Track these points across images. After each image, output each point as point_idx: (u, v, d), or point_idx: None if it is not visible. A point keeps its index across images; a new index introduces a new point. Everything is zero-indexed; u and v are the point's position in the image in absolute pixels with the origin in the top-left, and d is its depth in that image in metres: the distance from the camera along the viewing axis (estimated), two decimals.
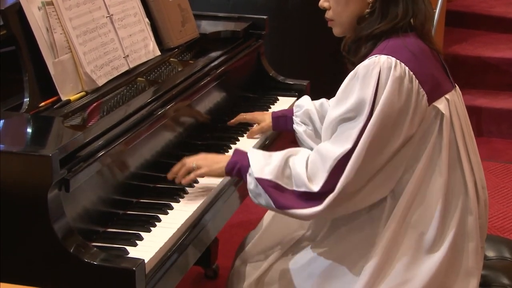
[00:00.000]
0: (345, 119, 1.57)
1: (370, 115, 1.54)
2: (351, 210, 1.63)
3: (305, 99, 2.05)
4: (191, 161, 1.77)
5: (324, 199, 1.57)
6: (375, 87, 1.54)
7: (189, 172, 1.77)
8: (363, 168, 1.55)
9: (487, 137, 4.09)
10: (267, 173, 1.61)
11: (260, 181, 1.62)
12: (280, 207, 1.61)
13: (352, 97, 1.56)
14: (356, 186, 1.57)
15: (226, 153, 2.01)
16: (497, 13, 4.83)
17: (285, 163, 1.62)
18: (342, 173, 1.55)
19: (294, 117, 2.04)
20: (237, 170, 1.70)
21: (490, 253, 2.02)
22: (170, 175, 1.80)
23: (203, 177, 1.79)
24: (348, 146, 1.54)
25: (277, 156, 1.65)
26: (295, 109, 2.05)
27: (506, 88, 4.32)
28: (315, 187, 1.57)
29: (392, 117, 1.54)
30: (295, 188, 1.60)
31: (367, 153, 1.54)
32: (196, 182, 1.84)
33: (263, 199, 1.63)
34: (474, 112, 4.07)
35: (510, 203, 3.32)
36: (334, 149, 1.56)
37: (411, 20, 1.63)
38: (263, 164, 1.64)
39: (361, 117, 1.54)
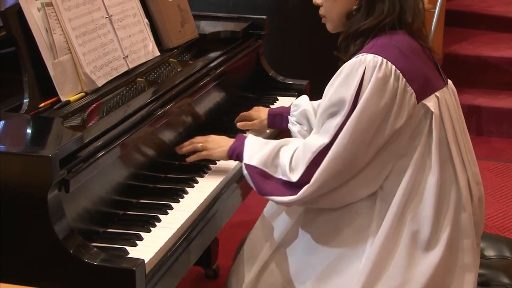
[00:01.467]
0: (330, 113, 1.61)
1: (351, 112, 1.56)
2: (336, 204, 1.67)
3: (303, 99, 2.05)
4: (199, 141, 1.88)
5: (301, 189, 1.62)
6: (358, 85, 1.56)
7: (194, 151, 1.88)
8: (343, 164, 1.59)
9: (487, 136, 4.08)
10: (255, 160, 1.71)
11: (247, 167, 1.72)
12: (262, 193, 1.70)
13: (335, 93, 1.60)
14: (336, 181, 1.61)
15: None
16: (496, 12, 4.83)
17: (276, 152, 1.70)
18: (319, 167, 1.60)
19: (290, 117, 2.04)
20: (236, 156, 1.81)
21: (490, 252, 2.02)
22: (178, 149, 1.90)
23: (206, 158, 1.89)
24: (325, 140, 1.59)
25: (271, 145, 1.73)
26: (292, 108, 2.05)
27: (506, 87, 4.32)
28: (294, 177, 1.64)
29: (374, 116, 1.57)
30: (280, 176, 1.67)
31: (346, 149, 1.57)
32: (196, 182, 1.84)
33: (252, 184, 1.72)
34: (474, 112, 4.07)
35: (510, 203, 3.32)
36: (314, 142, 1.62)
37: (402, 17, 1.64)
38: (254, 152, 1.73)
39: (342, 113, 1.58)
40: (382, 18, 1.62)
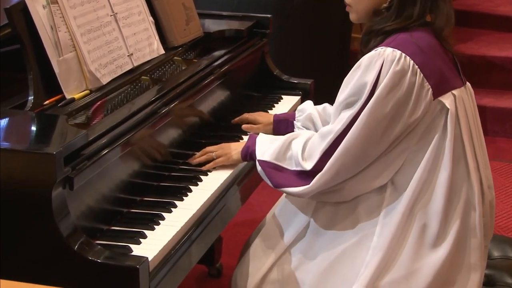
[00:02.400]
0: (347, 104, 1.62)
1: (366, 103, 1.58)
2: (346, 197, 1.68)
3: (308, 103, 2.06)
4: (212, 150, 1.90)
5: (313, 178, 1.64)
6: (376, 77, 1.57)
7: (209, 160, 1.90)
8: (355, 154, 1.60)
9: (492, 136, 4.08)
10: (267, 155, 1.74)
11: (260, 163, 1.75)
12: (276, 186, 1.73)
13: (353, 85, 1.61)
14: (348, 171, 1.62)
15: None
16: (501, 12, 4.82)
17: (288, 145, 1.74)
18: (333, 155, 1.62)
19: (295, 122, 2.04)
20: (250, 155, 1.83)
21: (495, 253, 2.02)
22: (191, 161, 1.91)
23: (222, 164, 1.90)
24: (340, 129, 1.61)
25: (282, 139, 1.76)
26: (297, 114, 2.05)
27: (510, 87, 4.31)
28: (308, 165, 1.66)
29: (388, 109, 1.58)
30: (294, 168, 1.70)
31: (359, 139, 1.59)
32: (200, 180, 1.84)
33: (266, 179, 1.75)
34: (478, 112, 4.06)
35: None
36: (329, 131, 1.64)
37: (430, 22, 1.64)
38: (266, 148, 1.76)
39: (358, 104, 1.59)
40: (409, 22, 1.63)
